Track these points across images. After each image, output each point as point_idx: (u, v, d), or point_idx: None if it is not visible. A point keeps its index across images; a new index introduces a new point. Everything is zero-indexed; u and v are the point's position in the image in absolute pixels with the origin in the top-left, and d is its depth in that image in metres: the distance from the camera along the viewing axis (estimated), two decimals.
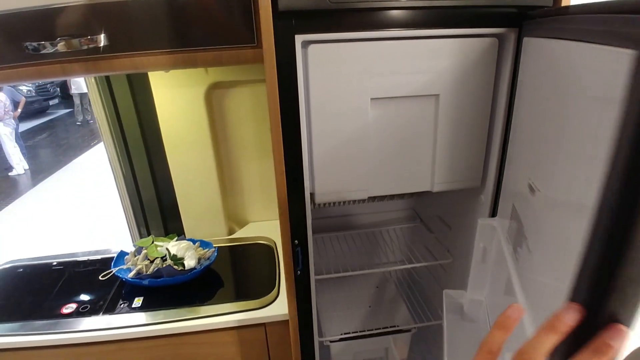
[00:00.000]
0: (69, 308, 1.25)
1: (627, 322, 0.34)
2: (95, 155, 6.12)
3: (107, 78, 1.41)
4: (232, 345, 1.22)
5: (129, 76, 1.41)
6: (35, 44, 0.93)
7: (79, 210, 4.09)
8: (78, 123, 7.81)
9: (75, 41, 0.92)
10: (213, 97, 1.40)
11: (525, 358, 0.35)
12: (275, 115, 0.84)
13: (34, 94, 7.88)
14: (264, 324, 1.20)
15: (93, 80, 1.41)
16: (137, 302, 1.26)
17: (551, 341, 0.35)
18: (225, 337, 1.21)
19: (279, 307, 1.21)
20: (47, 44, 0.93)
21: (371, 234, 1.40)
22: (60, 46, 0.93)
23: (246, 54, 0.95)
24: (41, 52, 0.93)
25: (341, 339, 1.25)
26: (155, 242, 1.37)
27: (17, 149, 5.73)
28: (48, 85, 8.23)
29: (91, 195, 4.40)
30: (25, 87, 7.77)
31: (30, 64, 0.95)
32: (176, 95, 1.36)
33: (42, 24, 0.91)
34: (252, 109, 1.45)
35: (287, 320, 1.10)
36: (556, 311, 0.36)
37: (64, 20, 0.91)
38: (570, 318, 0.35)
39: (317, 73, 0.82)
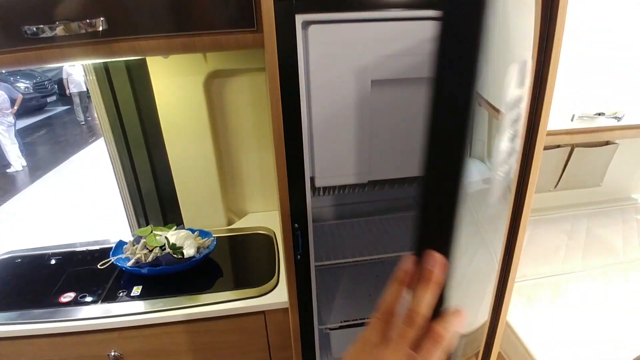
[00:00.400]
0: (67, 297, 1.24)
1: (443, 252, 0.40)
2: (93, 152, 6.10)
3: (107, 68, 1.41)
4: (231, 333, 1.22)
5: (128, 65, 1.40)
6: (34, 28, 0.92)
7: (78, 206, 4.07)
8: (82, 123, 7.77)
9: (74, 25, 0.91)
10: (212, 86, 1.40)
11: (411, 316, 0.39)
12: (276, 98, 0.84)
13: (31, 91, 7.84)
14: (263, 312, 1.20)
15: (92, 69, 1.41)
16: (136, 290, 1.25)
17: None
18: (224, 325, 1.21)
19: (279, 294, 1.21)
20: (46, 27, 0.92)
21: (371, 223, 1.39)
22: (59, 30, 0.92)
23: (246, 39, 0.94)
24: (40, 36, 0.93)
25: (341, 327, 1.24)
26: (154, 232, 1.36)
27: (15, 146, 5.71)
28: (46, 83, 8.19)
29: (90, 191, 4.38)
30: (23, 84, 7.73)
31: (29, 48, 0.95)
32: (175, 84, 1.36)
33: (40, 8, 0.90)
34: (251, 98, 1.44)
35: (287, 308, 1.10)
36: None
37: (63, 4, 0.91)
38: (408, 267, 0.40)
39: (318, 54, 0.82)
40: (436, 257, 0.39)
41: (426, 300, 0.39)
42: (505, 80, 0.63)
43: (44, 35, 0.93)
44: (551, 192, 1.71)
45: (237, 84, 1.41)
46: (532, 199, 1.00)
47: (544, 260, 1.61)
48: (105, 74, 1.42)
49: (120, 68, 1.40)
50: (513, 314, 1.34)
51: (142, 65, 1.34)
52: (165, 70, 1.34)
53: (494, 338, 1.19)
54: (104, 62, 1.38)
